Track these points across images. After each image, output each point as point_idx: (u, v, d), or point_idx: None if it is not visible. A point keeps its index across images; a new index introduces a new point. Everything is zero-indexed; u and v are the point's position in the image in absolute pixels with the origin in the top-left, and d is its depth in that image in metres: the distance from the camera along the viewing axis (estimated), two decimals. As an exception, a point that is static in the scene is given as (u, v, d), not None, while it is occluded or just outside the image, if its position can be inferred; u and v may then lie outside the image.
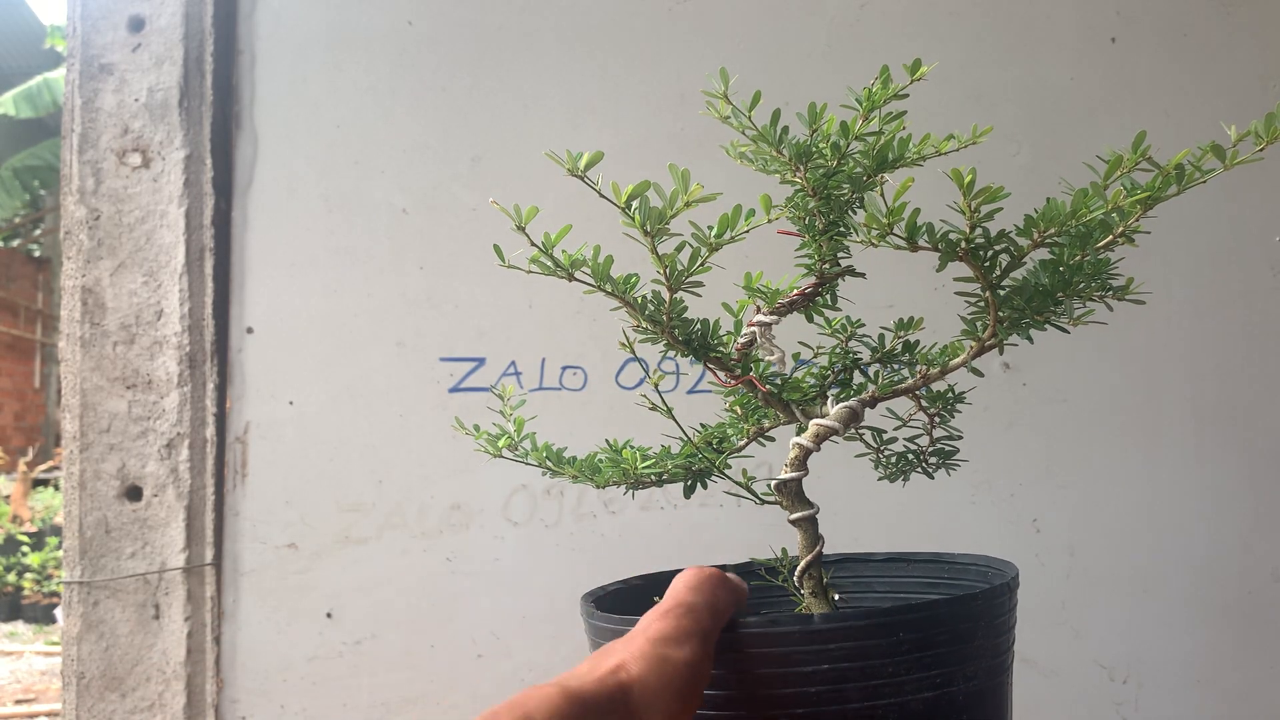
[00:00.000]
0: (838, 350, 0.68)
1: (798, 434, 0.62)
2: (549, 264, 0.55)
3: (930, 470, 0.69)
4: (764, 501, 0.62)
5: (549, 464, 0.65)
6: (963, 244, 0.51)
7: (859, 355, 0.67)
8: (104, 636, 1.35)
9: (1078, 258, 0.52)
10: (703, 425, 0.66)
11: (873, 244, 0.52)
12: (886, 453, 0.69)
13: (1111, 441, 1.42)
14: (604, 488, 0.61)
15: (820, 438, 0.60)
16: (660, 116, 1.43)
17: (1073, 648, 1.40)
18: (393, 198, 1.42)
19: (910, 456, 0.69)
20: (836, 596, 0.62)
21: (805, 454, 0.60)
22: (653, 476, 0.63)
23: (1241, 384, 1.43)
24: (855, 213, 0.56)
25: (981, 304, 0.56)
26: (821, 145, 0.54)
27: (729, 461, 0.65)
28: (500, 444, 0.66)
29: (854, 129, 0.54)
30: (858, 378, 0.66)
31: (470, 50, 1.44)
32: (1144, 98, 1.45)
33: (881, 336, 0.68)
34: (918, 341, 0.67)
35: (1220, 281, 1.44)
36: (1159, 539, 1.41)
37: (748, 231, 0.52)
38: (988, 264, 0.53)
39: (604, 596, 0.64)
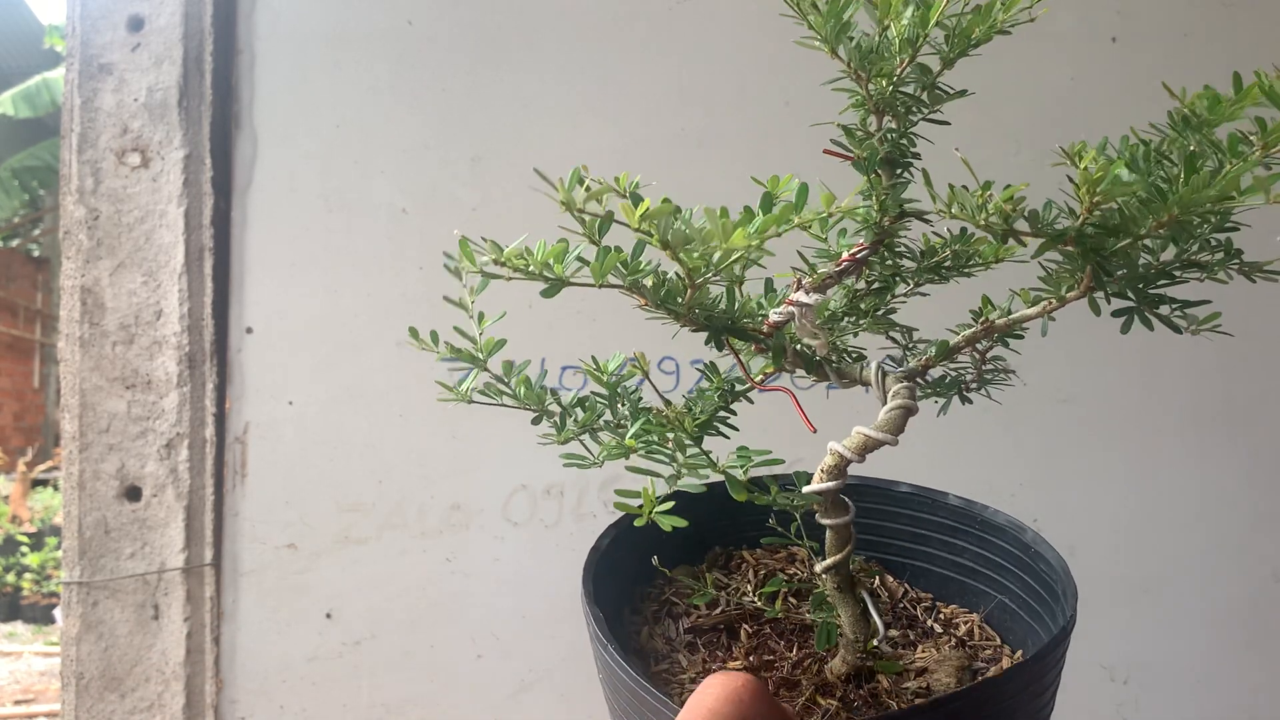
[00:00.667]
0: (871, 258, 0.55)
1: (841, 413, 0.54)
2: (534, 273, 0.48)
3: (966, 396, 0.61)
4: (797, 506, 0.55)
5: (528, 401, 0.54)
6: (1072, 233, 0.43)
7: (900, 253, 0.56)
8: (103, 637, 1.35)
9: (1200, 221, 0.42)
10: (709, 362, 0.58)
11: (954, 217, 0.44)
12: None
13: (1111, 441, 1.42)
14: (588, 429, 0.52)
15: (866, 449, 0.51)
16: (661, 116, 1.42)
17: (1073, 648, 1.39)
18: (393, 198, 1.42)
19: (950, 383, 0.61)
20: (866, 596, 0.57)
21: (845, 463, 0.52)
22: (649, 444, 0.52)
23: (1241, 384, 1.43)
24: (919, 113, 0.47)
25: (1069, 266, 0.47)
26: (895, 38, 0.44)
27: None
28: (466, 352, 0.56)
29: (938, 9, 0.44)
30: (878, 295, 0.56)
31: (470, 50, 1.43)
32: (1145, 97, 1.44)
33: (930, 244, 0.56)
34: (969, 253, 0.57)
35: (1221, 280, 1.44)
36: (1159, 539, 1.41)
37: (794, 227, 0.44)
38: (1092, 250, 0.44)
39: (602, 557, 0.60)
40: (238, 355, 1.40)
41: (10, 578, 6.02)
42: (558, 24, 1.44)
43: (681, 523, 0.47)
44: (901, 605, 0.67)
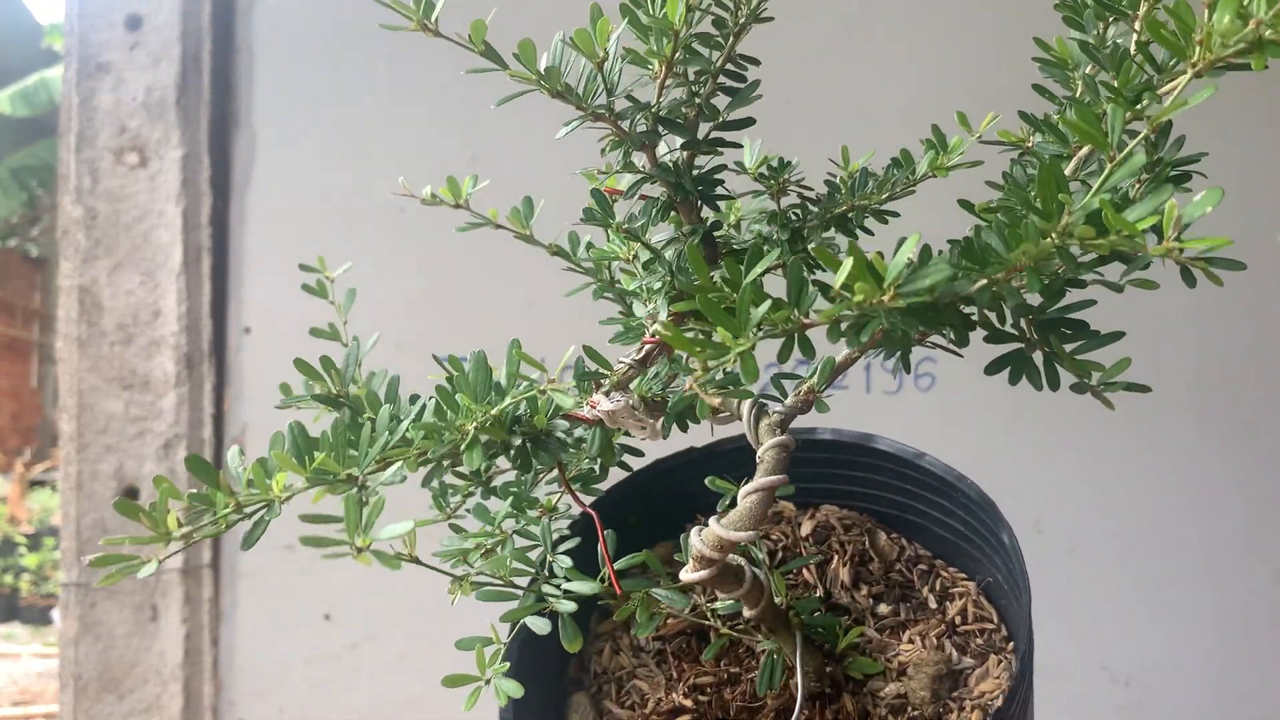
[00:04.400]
0: (758, 213, 0.49)
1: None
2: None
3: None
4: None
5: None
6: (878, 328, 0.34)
7: (798, 214, 0.47)
8: (101, 638, 1.34)
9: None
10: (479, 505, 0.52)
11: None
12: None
13: (1112, 441, 1.42)
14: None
15: (724, 548, 0.44)
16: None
17: (1075, 650, 1.39)
18: (391, 197, 1.41)
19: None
20: (799, 640, 0.53)
21: (710, 561, 0.45)
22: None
23: (1243, 384, 1.43)
24: (711, 118, 0.34)
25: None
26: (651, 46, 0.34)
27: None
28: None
29: None
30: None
31: (470, 49, 1.43)
32: (1145, 97, 1.44)
33: (832, 187, 0.47)
34: (898, 166, 0.47)
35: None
36: (1160, 539, 1.41)
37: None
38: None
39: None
40: (236, 355, 1.39)
41: (8, 579, 6.01)
42: (557, 23, 1.44)
43: (517, 692, 0.42)
44: (896, 569, 0.63)
